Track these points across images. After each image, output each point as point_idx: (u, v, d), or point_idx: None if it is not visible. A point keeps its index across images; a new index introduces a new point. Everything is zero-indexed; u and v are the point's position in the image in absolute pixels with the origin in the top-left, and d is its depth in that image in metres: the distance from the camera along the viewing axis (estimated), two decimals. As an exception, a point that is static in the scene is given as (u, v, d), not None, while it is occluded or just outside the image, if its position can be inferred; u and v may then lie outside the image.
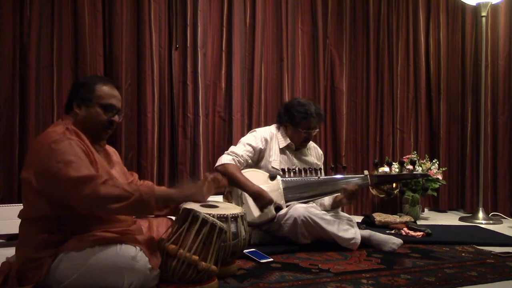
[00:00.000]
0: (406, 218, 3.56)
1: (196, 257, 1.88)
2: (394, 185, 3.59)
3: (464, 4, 4.30)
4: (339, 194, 2.87)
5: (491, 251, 2.74)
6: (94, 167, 1.85)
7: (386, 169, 3.36)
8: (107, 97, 1.96)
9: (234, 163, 2.84)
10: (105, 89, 1.96)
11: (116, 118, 1.99)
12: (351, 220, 2.87)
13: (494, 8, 4.22)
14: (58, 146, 1.77)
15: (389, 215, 3.64)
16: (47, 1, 3.18)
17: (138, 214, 1.89)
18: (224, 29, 3.75)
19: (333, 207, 2.96)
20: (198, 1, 3.59)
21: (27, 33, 3.09)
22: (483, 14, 3.99)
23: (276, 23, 3.95)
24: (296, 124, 2.94)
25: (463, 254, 2.68)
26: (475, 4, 4.08)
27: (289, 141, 3.00)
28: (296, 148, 3.03)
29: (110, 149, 2.12)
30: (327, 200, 2.97)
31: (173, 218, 2.10)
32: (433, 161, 4.05)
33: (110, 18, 3.37)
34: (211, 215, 1.99)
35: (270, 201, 2.73)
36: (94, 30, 3.30)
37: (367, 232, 2.84)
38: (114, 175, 1.98)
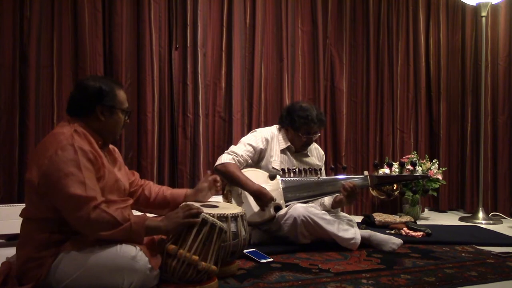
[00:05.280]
0: (406, 218, 3.56)
1: (196, 257, 1.89)
2: (394, 186, 3.59)
3: (464, 4, 4.30)
4: (339, 194, 2.87)
5: (491, 251, 2.75)
6: (101, 171, 1.86)
7: (386, 170, 3.36)
8: (125, 102, 2.00)
9: (234, 162, 2.84)
10: (122, 93, 1.99)
11: (127, 119, 2.04)
12: (351, 220, 2.87)
13: (494, 8, 4.22)
14: (63, 153, 1.77)
15: (389, 215, 3.64)
16: (47, 1, 3.18)
17: (128, 242, 1.85)
18: (224, 29, 3.75)
19: (334, 207, 2.96)
20: (198, 1, 3.59)
21: (27, 33, 3.09)
22: (483, 14, 3.99)
23: (276, 23, 3.95)
24: (296, 128, 2.94)
25: (463, 254, 2.68)
26: (475, 4, 4.08)
27: (289, 144, 3.00)
28: (296, 150, 3.03)
29: (111, 147, 2.12)
30: (327, 200, 2.97)
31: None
32: (433, 161, 4.05)
33: (110, 18, 3.37)
34: (211, 214, 1.99)
35: (271, 199, 2.73)
36: (94, 30, 3.30)
37: (367, 232, 2.84)
38: (119, 177, 2.00)
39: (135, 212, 2.09)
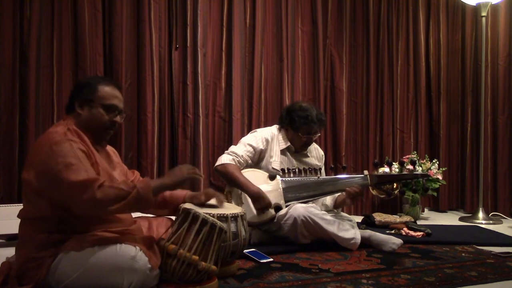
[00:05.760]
0: (406, 218, 3.56)
1: (196, 257, 1.88)
2: (394, 185, 3.59)
3: (464, 4, 4.30)
4: (341, 194, 2.87)
5: (491, 251, 2.75)
6: (95, 169, 1.86)
7: (386, 169, 3.35)
8: (109, 98, 1.96)
9: (234, 163, 2.83)
10: (107, 89, 1.97)
11: (118, 118, 2.00)
12: (351, 220, 2.87)
13: (494, 8, 4.22)
14: (59, 148, 1.77)
15: (389, 215, 3.64)
16: (47, 1, 3.18)
17: (139, 210, 1.89)
18: (224, 29, 3.75)
19: (336, 207, 2.96)
20: (198, 1, 3.59)
21: (27, 33, 3.09)
22: (483, 14, 3.99)
23: (276, 23, 3.95)
24: (296, 128, 2.94)
25: (463, 254, 2.68)
26: (475, 4, 4.08)
27: (289, 144, 3.00)
28: (296, 150, 3.03)
29: (110, 149, 2.13)
30: (329, 200, 2.97)
31: (173, 218, 2.10)
32: (433, 161, 4.05)
33: (110, 18, 3.37)
34: (211, 215, 1.99)
35: (269, 204, 2.73)
36: (94, 30, 3.30)
37: (367, 232, 2.84)
38: (115, 176, 1.99)
39: (134, 214, 2.09)
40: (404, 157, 4.11)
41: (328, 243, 2.71)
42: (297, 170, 2.90)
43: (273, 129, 3.06)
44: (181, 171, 1.98)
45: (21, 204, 1.92)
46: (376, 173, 2.97)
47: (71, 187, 1.73)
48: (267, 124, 3.74)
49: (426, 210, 4.40)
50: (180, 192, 2.26)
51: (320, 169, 3.02)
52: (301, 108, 2.95)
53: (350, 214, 3.93)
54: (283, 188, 2.82)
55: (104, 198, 1.73)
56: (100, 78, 2.02)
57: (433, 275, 2.26)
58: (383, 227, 3.36)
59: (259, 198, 2.72)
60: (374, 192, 3.85)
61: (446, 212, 4.41)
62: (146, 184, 1.84)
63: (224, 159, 2.85)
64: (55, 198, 1.78)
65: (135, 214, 2.07)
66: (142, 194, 1.80)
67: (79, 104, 1.93)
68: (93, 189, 1.72)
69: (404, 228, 3.20)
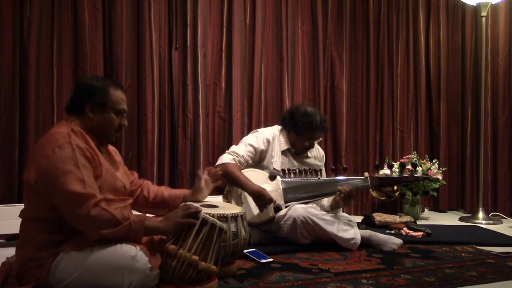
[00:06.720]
0: (406, 218, 3.56)
1: (196, 257, 1.88)
2: (395, 187, 3.59)
3: (464, 4, 4.30)
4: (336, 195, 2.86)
5: (491, 251, 2.75)
6: (98, 170, 1.86)
7: (387, 171, 3.35)
8: (120, 102, 1.97)
9: (234, 162, 2.83)
10: (118, 94, 1.97)
11: (125, 122, 2.02)
12: (350, 220, 2.86)
13: (494, 8, 4.22)
14: (61, 152, 1.76)
15: (389, 215, 3.63)
16: (47, 1, 3.18)
17: (125, 241, 1.84)
18: (224, 29, 3.75)
19: (332, 209, 2.95)
20: (198, 1, 3.59)
21: (27, 33, 3.09)
22: (483, 14, 3.99)
23: (276, 23, 3.95)
24: (299, 133, 2.92)
25: (463, 254, 2.68)
26: (475, 4, 4.08)
27: (290, 146, 2.99)
28: (296, 153, 3.02)
29: (112, 148, 2.13)
30: (326, 201, 2.96)
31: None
32: (433, 161, 4.05)
33: (110, 18, 3.37)
34: (211, 215, 1.99)
35: (270, 200, 2.72)
36: (94, 30, 3.30)
37: (367, 232, 2.84)
38: (118, 176, 2.00)
39: (134, 212, 2.09)
40: (404, 157, 4.11)
41: (328, 243, 2.71)
42: (297, 170, 2.90)
43: (275, 129, 3.05)
44: (176, 216, 1.91)
45: (21, 204, 1.92)
46: (376, 175, 2.96)
47: (66, 197, 1.73)
48: (267, 124, 3.74)
49: (426, 210, 4.40)
50: (179, 192, 2.26)
51: (321, 170, 3.02)
52: (306, 114, 2.91)
53: (350, 214, 3.93)
54: (283, 189, 2.82)
55: (97, 219, 1.73)
56: (108, 81, 1.99)
57: (433, 275, 2.26)
58: (383, 227, 3.35)
59: (260, 196, 2.71)
60: (374, 194, 3.85)
61: (446, 212, 4.41)
62: (140, 220, 1.83)
63: (225, 158, 2.85)
64: (52, 201, 1.79)
65: (134, 213, 2.06)
66: (133, 228, 1.79)
67: (90, 108, 1.92)
68: (88, 205, 1.72)
69: (404, 228, 3.20)
